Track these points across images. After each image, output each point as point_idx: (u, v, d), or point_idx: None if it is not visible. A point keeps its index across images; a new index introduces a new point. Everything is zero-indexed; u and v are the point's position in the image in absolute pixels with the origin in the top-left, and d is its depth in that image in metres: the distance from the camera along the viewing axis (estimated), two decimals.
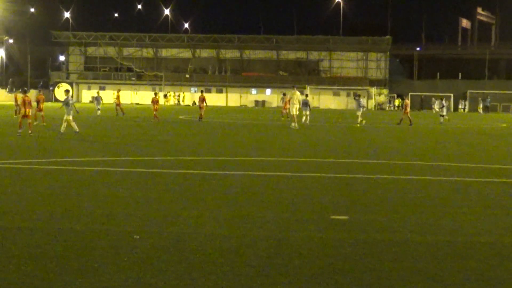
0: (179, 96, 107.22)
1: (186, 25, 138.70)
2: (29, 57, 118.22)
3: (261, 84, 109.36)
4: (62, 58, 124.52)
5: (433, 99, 56.88)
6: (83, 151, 21.39)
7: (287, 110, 48.89)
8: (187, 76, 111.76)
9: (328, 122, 47.76)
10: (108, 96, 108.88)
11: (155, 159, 19.32)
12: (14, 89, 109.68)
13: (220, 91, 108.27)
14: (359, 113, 43.62)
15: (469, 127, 46.28)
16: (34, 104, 33.49)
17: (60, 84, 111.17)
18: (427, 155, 22.24)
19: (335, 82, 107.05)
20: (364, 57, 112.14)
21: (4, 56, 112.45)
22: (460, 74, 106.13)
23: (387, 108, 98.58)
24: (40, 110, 36.48)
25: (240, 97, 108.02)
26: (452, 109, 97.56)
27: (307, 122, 42.02)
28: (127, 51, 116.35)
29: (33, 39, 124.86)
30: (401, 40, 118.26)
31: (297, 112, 38.80)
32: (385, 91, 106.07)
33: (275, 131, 35.88)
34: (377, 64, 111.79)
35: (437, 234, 9.28)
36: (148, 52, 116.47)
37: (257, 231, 9.21)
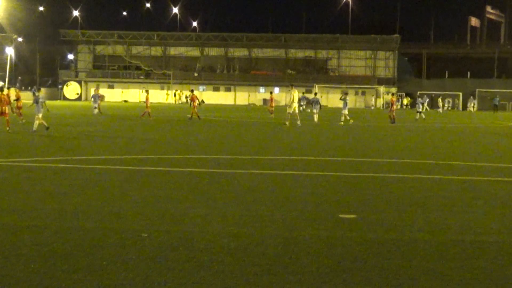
0: (187, 94, 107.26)
1: (195, 24, 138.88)
2: (38, 55, 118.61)
3: (269, 82, 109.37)
4: (70, 56, 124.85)
5: (419, 98, 56.75)
6: (92, 149, 21.43)
7: (273, 108, 52.71)
8: (196, 74, 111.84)
9: (336, 120, 47.65)
10: (116, 95, 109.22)
11: (163, 157, 19.33)
12: (23, 88, 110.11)
13: (229, 90, 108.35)
14: (345, 112, 43.96)
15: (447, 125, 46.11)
16: (14, 102, 34.27)
17: (68, 83, 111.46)
18: (435, 154, 22.19)
19: (344, 80, 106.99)
20: (372, 56, 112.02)
21: (13, 55, 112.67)
22: (469, 72, 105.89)
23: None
24: (19, 108, 37.27)
25: (249, 95, 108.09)
26: (461, 107, 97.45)
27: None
28: (136, 49, 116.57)
29: (42, 37, 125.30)
30: (409, 38, 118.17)
31: (297, 110, 39.52)
32: (394, 89, 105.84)
33: (283, 129, 35.84)
34: (385, 62, 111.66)
35: (446, 233, 9.26)
36: (156, 51, 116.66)
37: (265, 230, 9.21)
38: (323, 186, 13.71)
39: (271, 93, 57.84)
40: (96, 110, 49.31)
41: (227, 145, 24.58)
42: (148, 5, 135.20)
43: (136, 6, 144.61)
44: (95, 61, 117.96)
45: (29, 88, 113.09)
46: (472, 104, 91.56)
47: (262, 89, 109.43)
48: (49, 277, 6.80)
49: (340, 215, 10.39)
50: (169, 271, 7.09)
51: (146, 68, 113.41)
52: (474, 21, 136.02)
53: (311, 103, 46.06)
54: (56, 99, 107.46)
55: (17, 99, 38.90)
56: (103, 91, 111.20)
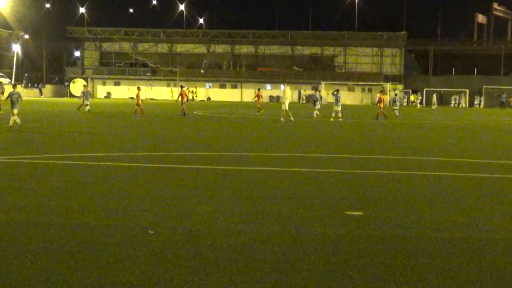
0: (194, 91, 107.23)
1: (201, 21, 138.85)
2: (44, 52, 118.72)
3: (275, 79, 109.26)
4: (77, 53, 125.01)
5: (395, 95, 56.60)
6: (98, 146, 21.47)
7: (260, 105, 53.57)
8: (202, 71, 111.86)
9: (343, 117, 47.60)
10: (123, 92, 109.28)
11: (170, 154, 19.35)
12: (29, 85, 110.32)
13: (235, 87, 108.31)
14: (337, 108, 44.05)
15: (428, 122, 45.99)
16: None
17: (75, 80, 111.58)
18: (441, 151, 22.15)
19: (350, 77, 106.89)
20: (379, 53, 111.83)
21: (20, 52, 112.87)
22: (475, 69, 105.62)
23: (404, 104, 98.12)
24: None
25: (255, 92, 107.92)
26: (467, 105, 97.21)
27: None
28: (142, 46, 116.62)
29: (48, 35, 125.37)
30: (416, 35, 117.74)
31: (287, 108, 39.52)
32: (400, 86, 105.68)
33: (289, 126, 35.83)
34: (392, 59, 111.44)
35: (452, 230, 9.25)
36: (163, 48, 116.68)
37: (271, 227, 9.21)
38: (329, 183, 13.71)
39: (258, 89, 58.82)
40: (88, 107, 47.97)
41: (233, 142, 24.58)
42: (154, 2, 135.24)
43: (143, 3, 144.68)
44: (102, 58, 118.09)
45: (36, 85, 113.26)
46: (478, 101, 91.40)
47: (268, 86, 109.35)
48: (56, 274, 6.82)
49: (347, 212, 10.39)
50: (176, 268, 7.10)
51: (153, 65, 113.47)
52: (481, 18, 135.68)
53: (313, 100, 46.43)
54: (62, 96, 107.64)
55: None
56: (109, 88, 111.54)
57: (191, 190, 12.35)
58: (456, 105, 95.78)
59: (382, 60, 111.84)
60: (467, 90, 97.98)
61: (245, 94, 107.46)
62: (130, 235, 8.54)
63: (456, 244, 8.47)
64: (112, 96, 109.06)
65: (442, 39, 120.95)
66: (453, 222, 9.81)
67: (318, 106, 45.24)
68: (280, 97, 40.22)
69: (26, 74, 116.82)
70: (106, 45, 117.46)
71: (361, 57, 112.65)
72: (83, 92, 49.99)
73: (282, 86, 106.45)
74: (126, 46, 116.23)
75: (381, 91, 50.75)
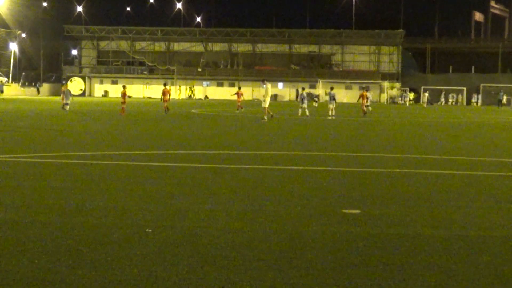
0: (192, 89, 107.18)
1: (198, 19, 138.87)
2: (42, 51, 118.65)
3: (273, 77, 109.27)
4: (74, 52, 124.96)
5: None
6: (95, 145, 21.46)
7: (240, 103, 54.19)
8: (199, 70, 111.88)
9: (340, 115, 47.67)
10: (120, 90, 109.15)
11: (167, 153, 19.35)
12: (26, 83, 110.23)
13: (232, 85, 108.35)
14: (332, 106, 44.80)
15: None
16: None
17: (72, 78, 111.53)
18: (438, 148, 22.18)
19: (347, 75, 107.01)
20: (376, 51, 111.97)
21: (17, 51, 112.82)
22: (473, 67, 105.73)
23: (399, 102, 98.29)
24: None
25: (252, 90, 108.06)
26: (465, 102, 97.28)
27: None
28: (140, 45, 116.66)
29: (45, 33, 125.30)
30: (413, 33, 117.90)
31: (267, 106, 39.47)
32: (398, 84, 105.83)
33: (286, 124, 35.87)
34: (389, 57, 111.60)
35: (450, 228, 9.26)
36: (160, 46, 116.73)
37: (269, 225, 9.21)
38: (327, 181, 13.71)
39: (239, 88, 59.15)
40: (68, 107, 47.19)
41: (230, 140, 24.59)
42: (151, 0, 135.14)
43: (140, 2, 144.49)
44: (99, 56, 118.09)
45: (33, 84, 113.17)
46: (476, 99, 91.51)
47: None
48: (54, 273, 6.81)
49: (344, 210, 10.39)
50: (174, 267, 7.09)
51: (150, 64, 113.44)
52: (478, 16, 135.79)
53: (301, 98, 46.98)
54: (60, 94, 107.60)
55: None
56: (107, 86, 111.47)
57: (189, 189, 12.35)
58: (453, 103, 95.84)
59: (380, 58, 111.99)
60: (465, 88, 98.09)
61: (243, 92, 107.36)
62: (127, 234, 8.53)
63: (453, 242, 8.48)
64: (110, 95, 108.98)
65: (439, 37, 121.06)
66: (451, 220, 9.82)
67: (305, 104, 46.11)
68: (269, 95, 39.69)
69: (23, 73, 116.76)
70: (103, 44, 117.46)
71: (359, 55, 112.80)
72: (63, 91, 49.33)
73: (280, 85, 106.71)
74: (124, 45, 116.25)
75: (363, 88, 51.65)
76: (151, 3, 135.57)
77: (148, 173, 14.59)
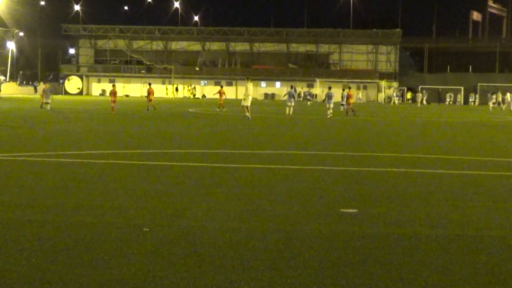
0: (194, 88, 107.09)
1: (196, 18, 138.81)
2: (39, 50, 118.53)
3: (270, 77, 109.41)
4: (72, 51, 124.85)
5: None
6: (92, 144, 21.45)
7: (222, 101, 53.88)
8: (197, 69, 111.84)
9: (338, 115, 47.68)
10: (118, 89, 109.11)
11: (165, 152, 19.34)
12: (24, 82, 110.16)
13: (230, 84, 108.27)
14: (329, 105, 45.20)
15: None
16: None
17: (70, 77, 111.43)
18: (435, 148, 22.19)
19: (345, 75, 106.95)
20: (374, 50, 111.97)
21: (14, 49, 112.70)
22: (470, 67, 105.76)
23: (396, 102, 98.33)
24: None
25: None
26: (462, 102, 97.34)
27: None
28: (137, 44, 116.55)
29: (43, 32, 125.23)
30: (411, 33, 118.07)
31: (249, 104, 39.10)
32: (395, 84, 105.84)
33: (284, 123, 35.87)
34: (387, 57, 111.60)
35: (447, 228, 9.26)
36: (158, 45, 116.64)
37: (266, 224, 9.21)
38: (324, 181, 13.71)
39: (221, 86, 59.38)
40: (49, 106, 46.85)
41: (227, 139, 24.58)
42: None
43: (138, 1, 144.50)
44: (97, 55, 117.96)
45: (30, 82, 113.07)
46: (473, 99, 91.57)
47: (263, 84, 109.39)
48: (51, 272, 6.81)
49: (342, 210, 10.40)
50: (171, 266, 7.09)
51: (148, 63, 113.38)
52: (476, 15, 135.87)
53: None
54: (57, 93, 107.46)
55: None
56: (104, 85, 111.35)
57: (186, 188, 12.35)
58: (451, 102, 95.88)
59: (377, 58, 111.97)
60: (462, 88, 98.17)
61: (240, 91, 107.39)
62: (125, 233, 8.53)
63: (451, 241, 8.49)
64: (107, 94, 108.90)
65: (437, 36, 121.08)
66: (449, 220, 9.82)
67: (292, 102, 46.50)
68: (249, 94, 39.35)
69: (21, 72, 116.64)
70: (101, 43, 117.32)
71: (356, 55, 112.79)
72: (43, 90, 48.78)
73: (278, 84, 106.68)
74: (121, 44, 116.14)
75: (349, 88, 52.17)
76: (149, 2, 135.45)
77: (145, 172, 14.58)
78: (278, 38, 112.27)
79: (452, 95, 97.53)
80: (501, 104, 76.62)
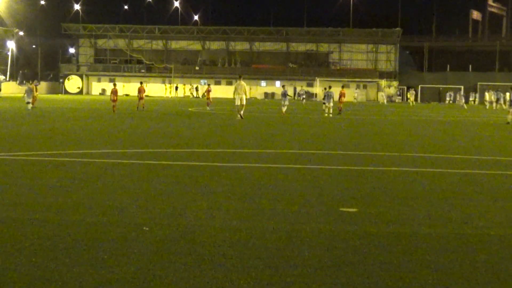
0: (195, 88, 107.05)
1: (196, 17, 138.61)
2: (39, 49, 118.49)
3: (270, 76, 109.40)
4: (72, 50, 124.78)
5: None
6: (92, 143, 21.45)
7: (210, 100, 53.93)
8: (197, 68, 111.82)
9: (337, 114, 47.70)
10: (118, 89, 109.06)
11: (165, 151, 19.35)
12: (24, 82, 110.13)
13: (230, 83, 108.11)
14: (329, 105, 45.69)
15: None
16: None
17: (70, 77, 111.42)
18: (435, 147, 22.19)
19: (345, 74, 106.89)
20: (374, 49, 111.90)
21: (14, 49, 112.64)
22: (470, 66, 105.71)
23: (396, 101, 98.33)
24: None
25: (250, 89, 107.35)
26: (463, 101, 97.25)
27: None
28: (137, 43, 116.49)
29: (43, 31, 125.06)
30: (411, 32, 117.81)
31: (241, 103, 38.27)
32: (395, 83, 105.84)
33: (283, 123, 35.87)
34: (387, 56, 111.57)
35: (447, 227, 9.27)
36: (158, 44, 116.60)
37: (266, 224, 9.22)
38: (324, 180, 13.72)
39: (208, 85, 59.36)
40: (30, 105, 45.32)
41: (227, 138, 24.59)
42: None
43: (137, 0, 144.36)
44: (97, 54, 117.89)
45: (30, 82, 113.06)
46: (474, 98, 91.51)
47: (263, 83, 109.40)
48: (51, 271, 6.82)
49: (341, 209, 10.40)
50: (171, 265, 7.10)
51: (147, 62, 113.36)
52: (475, 14, 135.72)
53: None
54: (57, 93, 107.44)
55: None
56: (104, 85, 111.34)
57: (186, 187, 12.35)
58: (450, 101, 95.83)
59: (377, 57, 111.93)
60: (462, 87, 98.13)
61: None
62: (125, 232, 8.54)
63: (451, 240, 8.49)
64: (107, 93, 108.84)
65: (437, 35, 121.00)
66: (448, 219, 9.83)
67: (286, 102, 46.67)
68: (236, 92, 38.59)
69: (21, 71, 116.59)
70: (101, 42, 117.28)
71: (356, 54, 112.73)
72: (26, 90, 47.39)
73: (278, 83, 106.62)
74: (121, 43, 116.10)
75: (342, 86, 52.63)
76: (149, 1, 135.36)
77: (145, 171, 14.59)
78: (278, 37, 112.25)
79: (452, 94, 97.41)
80: (493, 103, 76.48)
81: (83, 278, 6.61)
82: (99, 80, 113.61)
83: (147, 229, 8.71)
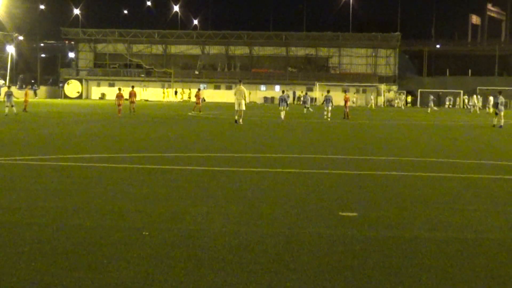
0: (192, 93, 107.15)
1: (196, 22, 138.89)
2: (39, 54, 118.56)
3: (270, 80, 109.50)
4: (71, 55, 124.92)
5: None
6: (92, 147, 21.44)
7: (200, 105, 54.31)
8: (196, 72, 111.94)
9: (337, 118, 47.72)
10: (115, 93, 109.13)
11: (164, 156, 19.34)
12: (24, 86, 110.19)
13: (229, 88, 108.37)
14: (327, 108, 46.19)
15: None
16: None
17: (69, 81, 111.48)
18: (435, 151, 22.19)
19: (345, 78, 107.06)
20: (373, 54, 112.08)
21: (14, 53, 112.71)
22: (470, 70, 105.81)
23: (396, 105, 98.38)
24: None
25: (250, 93, 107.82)
26: (462, 105, 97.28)
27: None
28: (137, 47, 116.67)
29: (43, 36, 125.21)
30: (410, 36, 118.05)
31: (240, 108, 38.18)
32: (395, 87, 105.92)
33: (282, 127, 35.87)
34: (386, 60, 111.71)
35: (447, 231, 9.26)
36: (157, 49, 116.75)
37: (266, 228, 9.21)
38: (323, 184, 13.71)
39: (198, 89, 59.17)
40: (7, 110, 43.51)
41: (225, 143, 24.58)
42: (149, 3, 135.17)
43: (137, 4, 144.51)
44: (96, 59, 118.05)
45: (30, 86, 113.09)
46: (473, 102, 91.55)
47: (263, 87, 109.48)
48: (50, 275, 6.81)
49: (341, 213, 10.39)
50: (170, 269, 7.09)
51: (147, 67, 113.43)
52: (475, 19, 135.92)
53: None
54: (57, 97, 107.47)
55: None
56: (104, 89, 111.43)
57: (185, 191, 12.35)
58: (450, 106, 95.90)
59: (377, 61, 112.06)
60: (461, 91, 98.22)
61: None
62: (124, 236, 8.53)
63: (450, 244, 8.49)
64: (107, 97, 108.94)
65: (436, 40, 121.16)
66: (448, 223, 9.82)
67: (287, 107, 46.93)
68: (237, 97, 38.35)
69: (20, 76, 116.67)
70: (100, 46, 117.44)
71: (356, 58, 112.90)
72: (6, 93, 45.95)
73: (277, 87, 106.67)
74: (121, 47, 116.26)
75: (345, 92, 53.07)
76: (148, 6, 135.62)
77: (144, 176, 14.58)
78: (277, 42, 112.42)
79: (452, 98, 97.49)
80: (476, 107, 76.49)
81: (82, 282, 6.60)
82: (98, 85, 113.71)
83: (147, 233, 8.70)
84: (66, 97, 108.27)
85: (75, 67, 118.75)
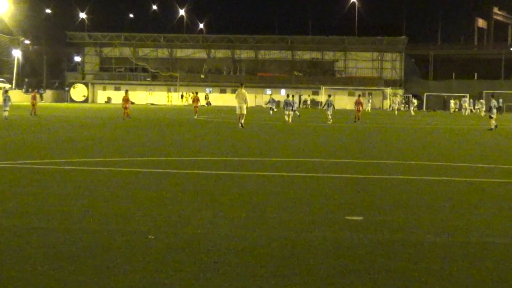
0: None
1: (201, 26, 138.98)
2: (45, 58, 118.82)
3: (275, 84, 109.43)
4: (77, 58, 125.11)
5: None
6: (97, 151, 21.47)
7: (198, 108, 53.55)
8: (202, 76, 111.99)
9: (341, 122, 47.73)
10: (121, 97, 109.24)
11: (170, 159, 19.35)
12: (30, 90, 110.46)
13: (235, 91, 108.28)
14: (329, 113, 46.55)
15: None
16: None
17: (75, 85, 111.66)
18: (440, 155, 22.16)
19: (350, 82, 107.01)
20: (379, 57, 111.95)
21: (20, 57, 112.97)
22: (476, 74, 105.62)
23: (402, 109, 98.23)
24: None
25: (255, 97, 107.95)
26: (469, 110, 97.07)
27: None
28: (143, 51, 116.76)
29: (49, 40, 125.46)
30: (416, 40, 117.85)
31: (241, 112, 38.00)
32: (401, 91, 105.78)
33: (287, 131, 35.86)
34: (392, 64, 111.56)
35: (452, 235, 9.24)
36: (163, 53, 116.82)
37: (271, 232, 9.21)
38: (329, 188, 13.70)
39: (196, 93, 58.51)
40: (6, 114, 42.56)
41: (231, 147, 24.58)
42: (154, 7, 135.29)
43: (143, 8, 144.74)
44: (102, 63, 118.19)
45: (36, 90, 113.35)
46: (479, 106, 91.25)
47: (268, 91, 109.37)
48: (56, 279, 6.81)
49: (347, 217, 10.38)
50: (176, 273, 7.09)
51: (153, 70, 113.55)
52: (481, 22, 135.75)
53: (284, 104, 48.22)
54: (63, 101, 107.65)
55: None
56: (110, 93, 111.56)
57: (191, 195, 12.35)
58: (456, 109, 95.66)
59: (382, 65, 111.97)
60: (468, 95, 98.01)
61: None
62: (130, 240, 8.53)
63: (456, 248, 8.47)
64: (113, 101, 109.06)
65: (442, 43, 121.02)
66: (453, 227, 9.81)
67: (291, 112, 47.11)
68: (238, 101, 38.10)
69: (26, 79, 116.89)
70: (106, 50, 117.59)
71: (361, 62, 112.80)
72: (4, 98, 44.65)
73: (283, 91, 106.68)
74: (127, 51, 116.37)
75: (359, 96, 53.31)
76: (154, 9, 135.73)
77: (150, 180, 14.59)
78: (283, 46, 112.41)
79: (458, 102, 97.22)
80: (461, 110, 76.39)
81: (88, 286, 6.61)
82: (104, 89, 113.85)
83: (152, 237, 8.70)
84: (72, 101, 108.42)
85: (81, 71, 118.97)
